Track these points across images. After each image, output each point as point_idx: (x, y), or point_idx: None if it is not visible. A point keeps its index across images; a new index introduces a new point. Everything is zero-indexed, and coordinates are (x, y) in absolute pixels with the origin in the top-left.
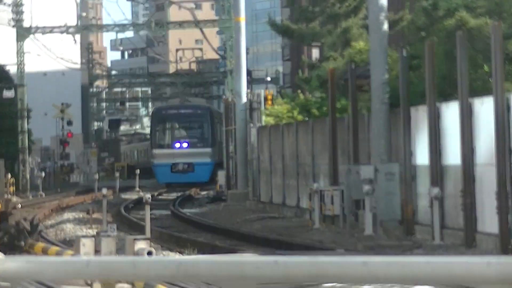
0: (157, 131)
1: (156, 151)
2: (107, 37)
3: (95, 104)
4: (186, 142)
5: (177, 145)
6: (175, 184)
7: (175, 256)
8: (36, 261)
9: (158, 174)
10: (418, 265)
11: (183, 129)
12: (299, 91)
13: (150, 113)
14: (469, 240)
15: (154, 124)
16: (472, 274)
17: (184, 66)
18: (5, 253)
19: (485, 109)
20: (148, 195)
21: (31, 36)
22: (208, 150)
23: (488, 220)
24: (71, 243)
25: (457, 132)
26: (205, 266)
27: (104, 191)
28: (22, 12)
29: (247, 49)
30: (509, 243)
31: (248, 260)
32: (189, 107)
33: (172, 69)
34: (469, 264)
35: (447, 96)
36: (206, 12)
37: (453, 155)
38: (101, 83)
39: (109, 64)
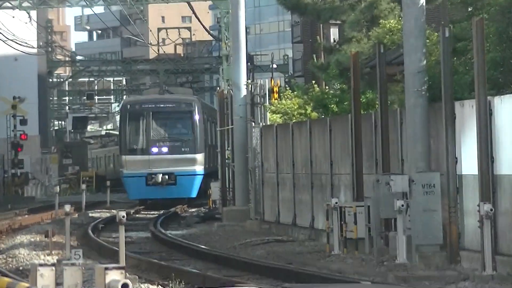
0: (127, 132)
1: (127, 157)
2: (70, 14)
3: (55, 98)
4: (166, 146)
5: (155, 150)
6: (152, 201)
7: None
8: None
9: (128, 187)
10: None
11: (162, 129)
12: (313, 81)
13: (119, 108)
14: None
15: (124, 123)
16: None
17: (168, 50)
18: None
19: (507, 108)
20: (123, 213)
21: None
22: (195, 156)
23: None
24: (25, 274)
25: None
26: None
27: (67, 207)
28: None
29: (247, 28)
30: None
31: None
32: (170, 100)
33: (152, 54)
34: None
35: (501, 87)
36: None
37: (509, 162)
38: (63, 71)
39: (73, 48)
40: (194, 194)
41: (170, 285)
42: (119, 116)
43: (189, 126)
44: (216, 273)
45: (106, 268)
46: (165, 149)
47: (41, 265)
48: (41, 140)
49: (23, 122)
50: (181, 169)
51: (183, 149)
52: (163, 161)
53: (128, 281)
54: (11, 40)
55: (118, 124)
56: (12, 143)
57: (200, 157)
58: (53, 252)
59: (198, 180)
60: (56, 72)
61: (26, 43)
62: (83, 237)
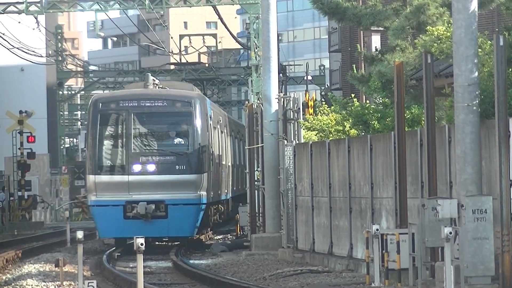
0: (97, 142)
1: (96, 178)
2: (82, 19)
3: (66, 113)
4: (152, 162)
5: (137, 167)
6: (131, 241)
7: None
8: None
9: (99, 221)
10: None
11: (148, 138)
12: (352, 94)
13: (89, 106)
14: None
15: (93, 129)
16: None
17: (191, 59)
18: None
19: None
20: (141, 240)
21: None
22: (195, 177)
23: None
24: None
25: None
26: None
27: (79, 234)
28: None
29: (279, 35)
30: None
31: None
32: (161, 97)
33: (174, 63)
34: None
35: None
36: None
37: None
38: (74, 83)
39: (86, 57)
40: (192, 232)
41: None
42: (87, 117)
43: (187, 133)
44: None
45: None
46: (151, 167)
47: None
48: (50, 160)
49: (31, 139)
50: (174, 196)
51: (177, 167)
52: (149, 184)
53: None
54: (17, 48)
55: (85, 130)
56: (19, 163)
57: (201, 179)
58: (64, 284)
59: (198, 212)
60: (67, 83)
61: (33, 51)
62: (97, 266)
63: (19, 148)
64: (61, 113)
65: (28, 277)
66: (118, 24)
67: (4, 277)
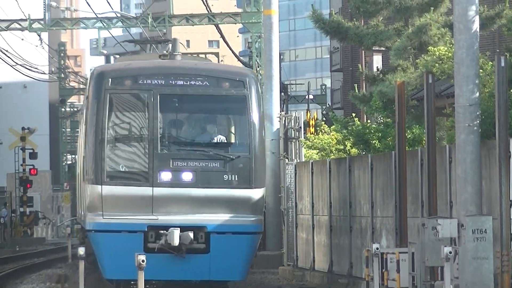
0: (105, 136)
1: (103, 189)
2: (85, 36)
3: (68, 130)
4: (188, 170)
5: (165, 176)
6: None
7: None
8: None
9: (104, 253)
10: None
11: (182, 134)
12: (353, 114)
13: (89, 84)
14: None
15: (98, 116)
16: None
17: None
18: None
19: None
20: (142, 257)
21: None
22: (252, 193)
23: None
24: None
25: None
26: None
27: (81, 250)
28: None
29: (281, 54)
30: None
31: None
32: (199, 72)
33: None
34: None
35: None
36: (224, 2)
37: None
38: (77, 100)
39: (88, 74)
40: (243, 274)
41: None
42: (86, 101)
43: (241, 128)
44: None
45: None
46: (187, 176)
47: None
48: (52, 176)
49: (33, 155)
50: (221, 220)
51: (226, 178)
52: (184, 201)
53: None
54: (20, 65)
55: (83, 119)
56: (21, 179)
57: (261, 195)
58: None
59: (254, 245)
60: (69, 100)
61: (36, 68)
62: (99, 281)
63: (21, 165)
64: (63, 130)
65: None
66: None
67: None
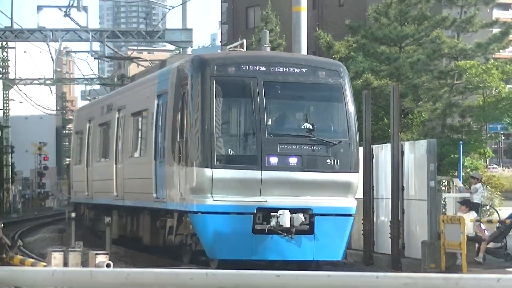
0: (213, 120)
1: (213, 173)
2: (78, 89)
3: (67, 143)
4: (294, 155)
5: (273, 160)
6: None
7: (125, 268)
8: (11, 270)
9: (210, 234)
10: None
11: (286, 119)
12: None
13: (189, 74)
14: None
15: (204, 101)
16: None
17: None
18: None
19: (383, 153)
20: (108, 218)
21: (15, 86)
22: (351, 177)
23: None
24: (44, 256)
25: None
26: (150, 276)
27: (73, 214)
28: (8, 66)
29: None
30: None
31: (183, 271)
32: (297, 61)
33: None
34: None
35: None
36: None
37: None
38: (72, 126)
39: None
40: (342, 254)
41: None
42: (188, 90)
43: (339, 115)
44: None
45: (96, 254)
46: (293, 160)
47: (54, 250)
48: (57, 170)
49: (45, 158)
50: (324, 202)
51: (329, 162)
52: (291, 185)
53: (110, 262)
54: (38, 105)
55: (178, 106)
56: (38, 172)
57: (357, 179)
58: (63, 242)
59: (351, 226)
60: (68, 126)
61: (48, 107)
62: (84, 234)
63: (38, 164)
64: (64, 143)
65: (42, 239)
66: (99, 93)
67: (27, 239)
